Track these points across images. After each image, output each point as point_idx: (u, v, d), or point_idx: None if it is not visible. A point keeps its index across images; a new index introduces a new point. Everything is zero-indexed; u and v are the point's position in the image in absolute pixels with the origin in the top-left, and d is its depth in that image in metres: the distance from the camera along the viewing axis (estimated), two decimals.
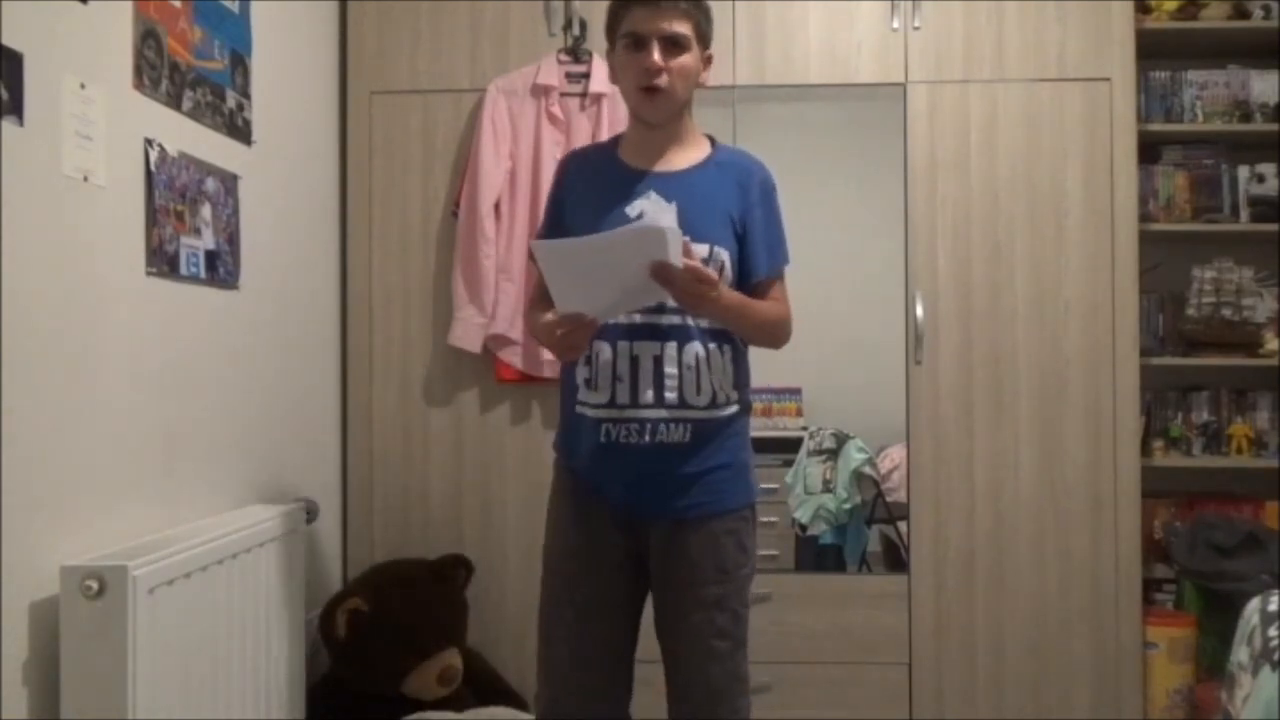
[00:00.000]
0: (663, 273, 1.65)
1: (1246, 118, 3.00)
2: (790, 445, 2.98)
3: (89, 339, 1.77)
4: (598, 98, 2.82)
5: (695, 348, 1.83)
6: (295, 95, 2.65)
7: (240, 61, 2.31)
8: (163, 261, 1.98)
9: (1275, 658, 1.72)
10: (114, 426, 1.84)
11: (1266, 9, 2.96)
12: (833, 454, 2.96)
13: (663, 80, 1.81)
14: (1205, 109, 3.02)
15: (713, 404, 1.84)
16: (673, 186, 1.86)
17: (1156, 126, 3.00)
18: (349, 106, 2.91)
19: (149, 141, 1.93)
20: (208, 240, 2.16)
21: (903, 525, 2.86)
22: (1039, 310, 2.83)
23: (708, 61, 1.92)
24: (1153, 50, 2.96)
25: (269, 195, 2.46)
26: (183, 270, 2.06)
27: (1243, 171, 3.01)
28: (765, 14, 2.87)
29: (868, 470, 2.93)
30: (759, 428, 2.95)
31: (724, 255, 1.84)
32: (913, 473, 2.84)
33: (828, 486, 2.94)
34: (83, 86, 1.73)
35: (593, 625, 1.85)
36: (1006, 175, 2.84)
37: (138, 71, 1.90)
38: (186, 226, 2.07)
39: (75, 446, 1.73)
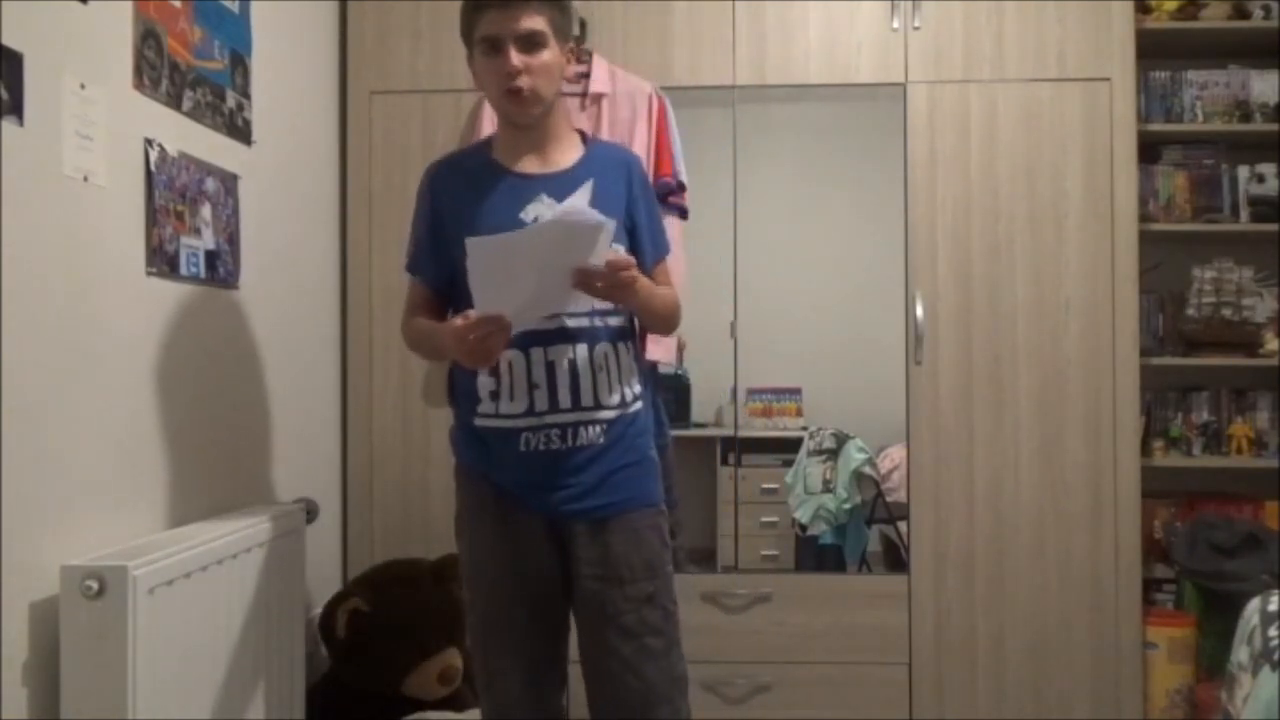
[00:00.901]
0: (584, 276, 1.65)
1: (1246, 118, 3.00)
2: (790, 445, 2.98)
3: (89, 339, 1.77)
4: (598, 98, 2.81)
5: (604, 348, 1.83)
6: (295, 95, 2.65)
7: (240, 61, 2.31)
8: (163, 261, 1.98)
9: (1275, 658, 1.72)
10: (114, 426, 1.84)
11: (1266, 9, 2.96)
12: (833, 454, 2.96)
13: (524, 81, 1.79)
14: (1205, 109, 3.02)
15: (622, 402, 1.85)
16: (562, 187, 1.81)
17: (1156, 126, 3.00)
18: (349, 106, 2.91)
19: (149, 141, 1.93)
20: (208, 240, 2.16)
21: (903, 525, 2.86)
22: (1039, 310, 2.83)
23: (570, 54, 1.89)
24: (1153, 50, 2.96)
25: (269, 195, 2.46)
26: (183, 270, 2.06)
27: (1243, 171, 3.01)
28: (765, 14, 2.87)
29: (868, 470, 2.93)
30: (759, 428, 2.97)
31: (621, 251, 1.81)
32: (913, 473, 2.84)
33: (828, 486, 2.94)
34: (83, 86, 1.73)
35: (534, 639, 1.85)
36: (1006, 175, 2.84)
37: (138, 71, 1.90)
38: (186, 226, 2.07)
39: (75, 446, 1.73)
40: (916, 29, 2.85)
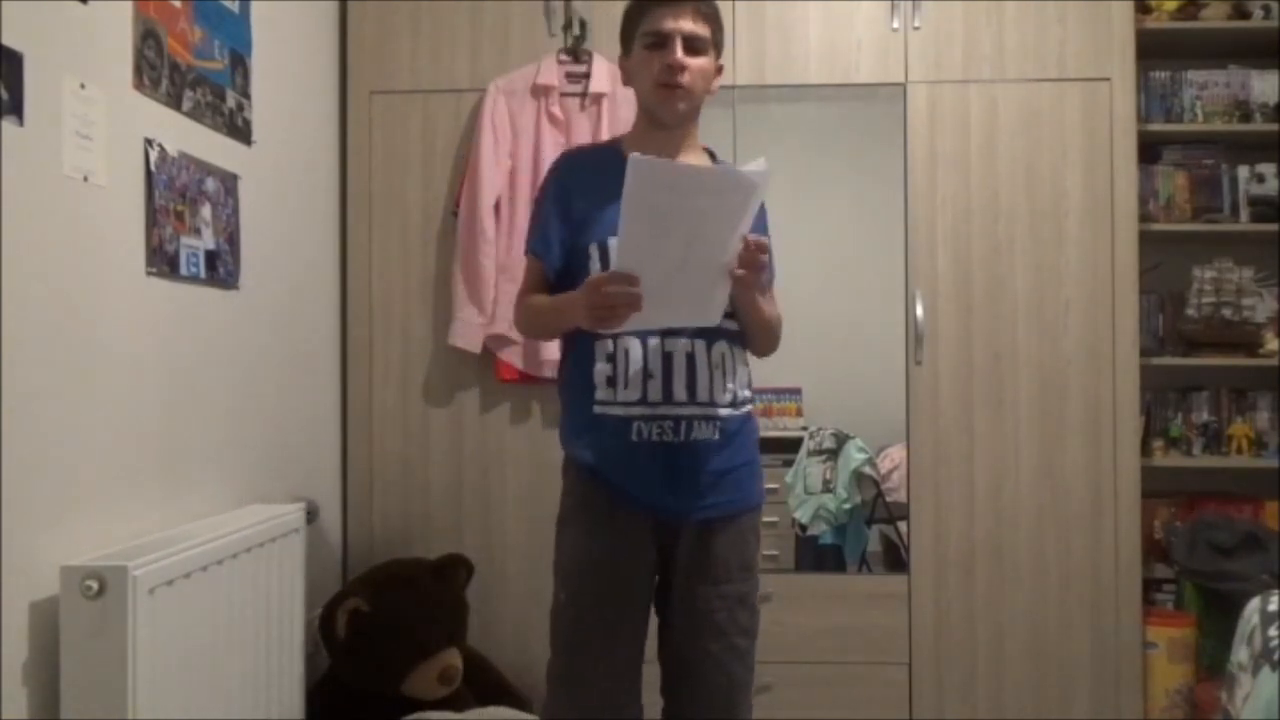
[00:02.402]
0: (740, 259, 1.66)
1: (1246, 118, 3.00)
2: (790, 445, 2.98)
3: (89, 339, 1.77)
4: (598, 98, 2.82)
5: (721, 346, 1.85)
6: (295, 95, 2.65)
7: (240, 61, 2.31)
8: (163, 261, 1.98)
9: (1275, 658, 1.72)
10: (114, 426, 1.84)
11: (1266, 9, 2.96)
12: (833, 454, 2.96)
13: (684, 78, 1.82)
14: (1205, 109, 3.02)
15: (734, 402, 1.87)
16: None
17: (1156, 126, 3.00)
18: (349, 106, 2.91)
19: (149, 141, 1.93)
20: (208, 240, 2.16)
21: (903, 525, 2.86)
22: (1039, 310, 2.83)
23: (719, 71, 1.92)
24: (1153, 50, 2.96)
25: (269, 195, 2.46)
26: (183, 270, 2.06)
27: (1243, 171, 3.01)
28: (765, 14, 2.87)
29: (868, 470, 2.93)
30: (759, 429, 2.97)
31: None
32: (913, 473, 2.84)
33: (828, 486, 2.94)
34: (83, 86, 1.73)
35: (622, 642, 1.84)
36: (1006, 175, 2.84)
37: (138, 71, 1.90)
38: (186, 226, 2.07)
39: (75, 446, 1.73)
40: (916, 29, 2.85)
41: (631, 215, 1.58)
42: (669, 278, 1.63)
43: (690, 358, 1.81)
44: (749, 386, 1.93)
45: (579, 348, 1.86)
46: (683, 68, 1.81)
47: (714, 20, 1.87)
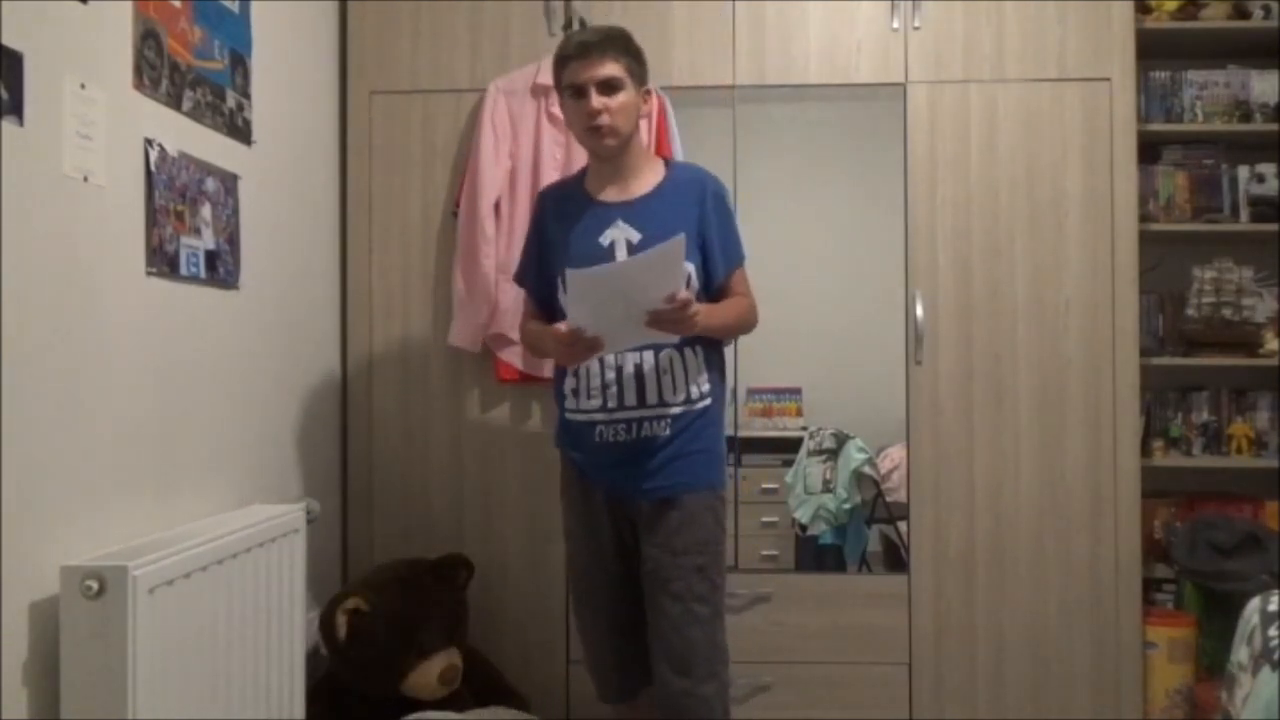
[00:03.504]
0: (654, 318, 1.93)
1: (1246, 118, 3.01)
2: (790, 445, 2.98)
3: (89, 339, 1.77)
4: None
5: (669, 353, 2.11)
6: (295, 95, 2.65)
7: (240, 61, 2.31)
8: (163, 261, 1.98)
9: (1275, 658, 1.72)
10: (114, 426, 1.84)
11: (1266, 9, 2.96)
12: (833, 454, 2.96)
13: (604, 119, 2.08)
14: (1205, 109, 3.02)
15: (688, 400, 2.13)
16: (636, 213, 2.13)
17: (1156, 126, 3.00)
18: (349, 106, 2.91)
19: (149, 141, 1.93)
20: (208, 240, 2.16)
21: (903, 525, 2.86)
22: (1039, 310, 2.83)
23: (646, 96, 2.18)
24: (1153, 50, 2.97)
25: (269, 195, 2.46)
26: (183, 270, 2.06)
27: (1243, 171, 3.01)
28: (765, 14, 2.87)
29: (868, 470, 2.93)
30: (759, 428, 2.97)
31: (690, 268, 2.08)
32: (913, 473, 2.84)
33: (828, 486, 2.94)
34: (83, 86, 1.73)
35: (613, 598, 2.19)
36: (1006, 175, 2.84)
37: (138, 71, 1.90)
38: (186, 226, 2.07)
39: (75, 446, 1.73)
40: (916, 29, 2.85)
41: (576, 305, 1.95)
42: (617, 327, 1.97)
43: (638, 368, 2.10)
44: (710, 380, 2.17)
45: (556, 365, 2.24)
46: (600, 111, 2.07)
47: (628, 56, 2.12)
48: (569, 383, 2.17)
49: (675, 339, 2.07)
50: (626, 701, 2.26)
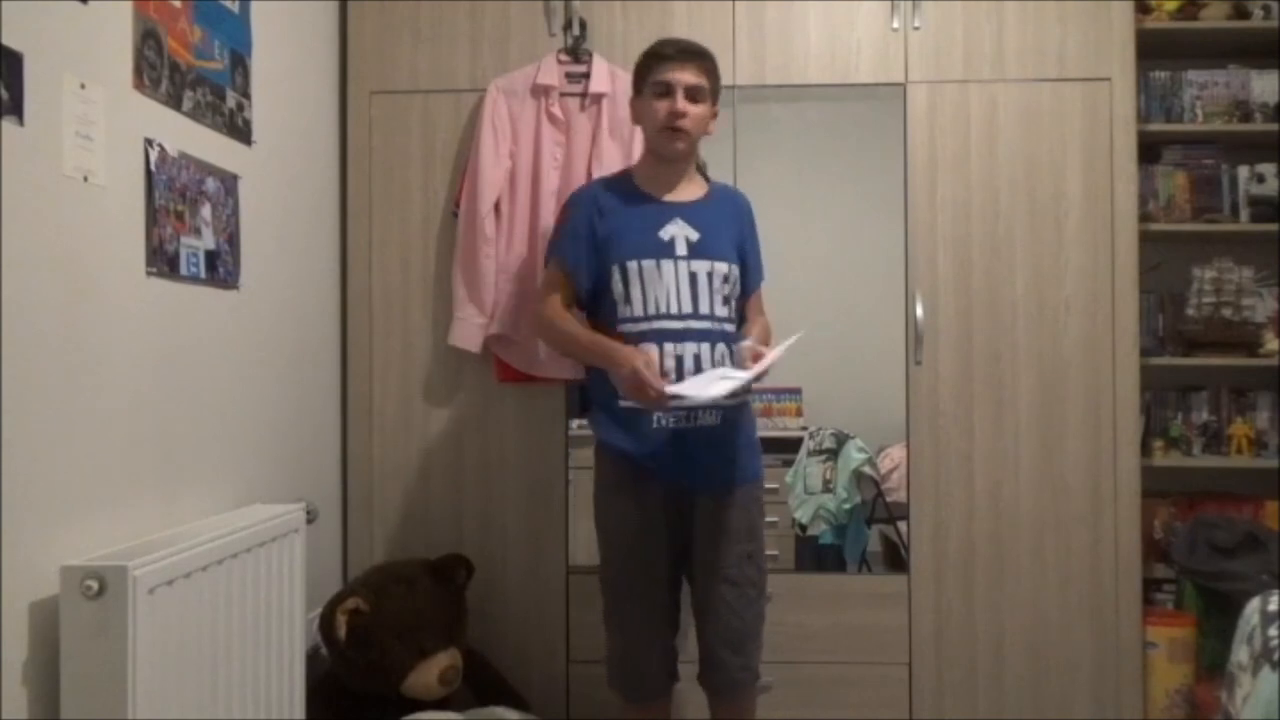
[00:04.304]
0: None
1: (1246, 118, 3.00)
2: (790, 445, 2.98)
3: (89, 339, 1.77)
4: (598, 98, 2.82)
5: (723, 348, 2.24)
6: (295, 95, 2.65)
7: (240, 61, 2.31)
8: (163, 261, 1.98)
9: (1275, 658, 1.72)
10: (114, 426, 1.84)
11: (1266, 9, 2.96)
12: (833, 454, 2.96)
13: (685, 122, 2.23)
14: (1205, 109, 3.02)
15: (733, 393, 2.17)
16: (693, 214, 2.28)
17: (1156, 126, 3.00)
18: (349, 106, 2.91)
19: (149, 141, 1.93)
20: (208, 240, 2.16)
21: (903, 525, 2.86)
22: (1039, 310, 2.83)
23: (714, 115, 2.32)
24: (1153, 50, 2.96)
25: (269, 195, 2.46)
26: (183, 270, 2.06)
27: (1243, 171, 3.01)
28: (765, 14, 2.87)
29: (868, 470, 2.93)
30: (759, 428, 2.96)
31: (735, 272, 2.30)
32: (913, 473, 2.84)
33: (828, 486, 2.94)
34: (83, 86, 1.73)
35: (656, 587, 2.24)
36: (1006, 175, 2.84)
37: (138, 71, 1.90)
38: (186, 226, 2.07)
39: (75, 446, 1.73)
40: (916, 29, 2.85)
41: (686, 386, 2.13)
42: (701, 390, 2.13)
43: (696, 358, 2.20)
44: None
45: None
46: (684, 114, 2.21)
47: (713, 74, 2.28)
48: None
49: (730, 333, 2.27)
50: (657, 700, 2.30)
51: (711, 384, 2.10)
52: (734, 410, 2.24)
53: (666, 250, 2.24)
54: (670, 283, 2.23)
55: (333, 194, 2.90)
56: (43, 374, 1.65)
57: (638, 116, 2.33)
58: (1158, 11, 2.97)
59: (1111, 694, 2.79)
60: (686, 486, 2.23)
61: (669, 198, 2.30)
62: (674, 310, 2.22)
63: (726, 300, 2.27)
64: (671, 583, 2.28)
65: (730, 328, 2.28)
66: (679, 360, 2.20)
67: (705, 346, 2.22)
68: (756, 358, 2.14)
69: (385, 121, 2.91)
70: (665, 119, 2.22)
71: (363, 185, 2.92)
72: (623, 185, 2.34)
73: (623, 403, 2.20)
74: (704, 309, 2.23)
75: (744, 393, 2.22)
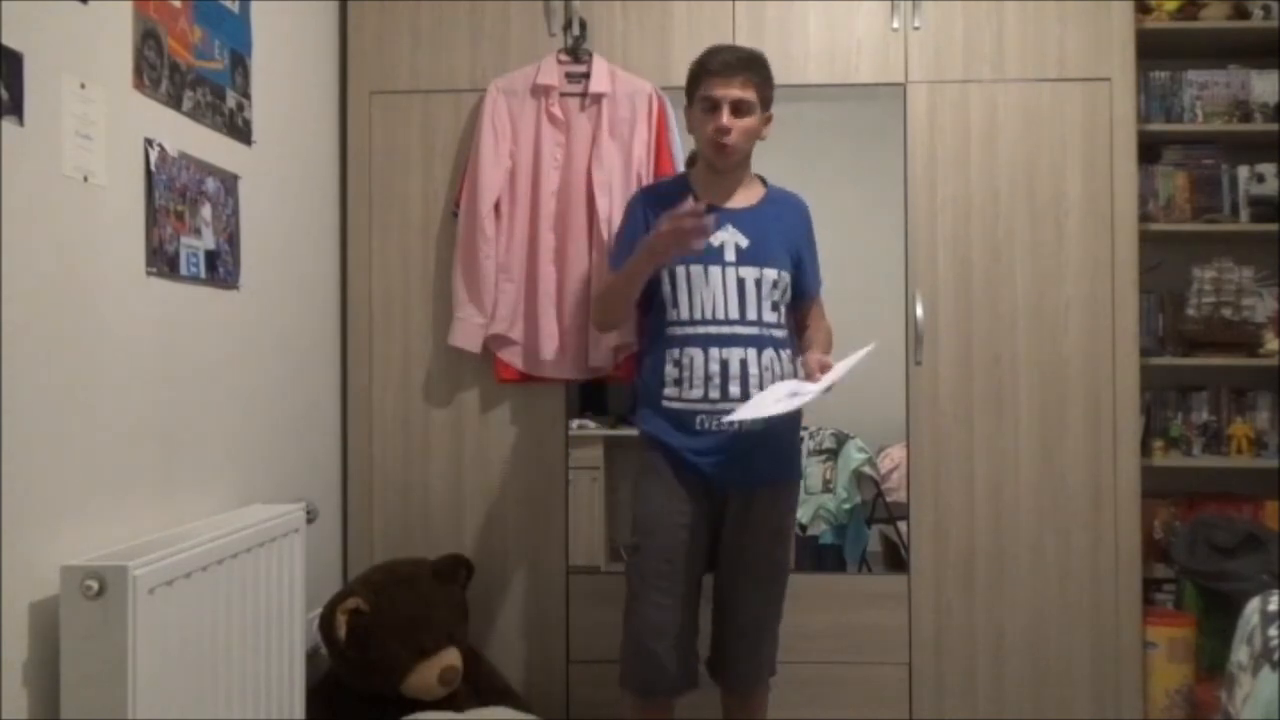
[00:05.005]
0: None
1: (1246, 118, 3.00)
2: None
3: (89, 339, 1.77)
4: (598, 98, 2.82)
5: (770, 353, 2.28)
6: (295, 95, 2.65)
7: (240, 61, 2.31)
8: (163, 261, 1.98)
9: (1275, 658, 1.72)
10: (114, 426, 1.84)
11: (1266, 9, 2.96)
12: (833, 454, 2.96)
13: (730, 138, 2.25)
14: (1205, 109, 3.02)
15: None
16: (745, 221, 2.32)
17: (1156, 126, 3.00)
18: (349, 106, 2.91)
19: (149, 141, 1.93)
20: (208, 240, 2.16)
21: (903, 525, 2.86)
22: (1039, 310, 2.83)
23: (767, 120, 2.35)
24: (1153, 50, 2.96)
25: (269, 195, 2.46)
26: (183, 270, 2.06)
27: (1243, 171, 3.01)
28: (765, 14, 2.87)
29: (868, 470, 2.93)
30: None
31: (786, 278, 2.33)
32: (913, 473, 2.84)
33: (828, 486, 2.94)
34: (83, 86, 1.73)
35: (684, 577, 2.26)
36: (1006, 175, 2.84)
37: (138, 71, 1.90)
38: (186, 226, 2.07)
39: (75, 446, 1.73)
40: (916, 29, 2.85)
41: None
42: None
43: (744, 364, 2.25)
44: (795, 379, 2.29)
45: (653, 354, 2.33)
46: (729, 130, 2.24)
47: (762, 83, 2.28)
48: (670, 372, 2.28)
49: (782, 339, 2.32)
50: (678, 695, 2.30)
51: (779, 400, 2.13)
52: (781, 418, 2.21)
53: (715, 256, 2.28)
54: (718, 288, 2.27)
55: (333, 194, 2.90)
56: (43, 374, 1.65)
57: (690, 126, 2.38)
58: (1158, 11, 2.97)
59: (1111, 694, 2.79)
60: (728, 482, 2.27)
61: (722, 203, 2.33)
62: (720, 315, 2.27)
63: (775, 306, 2.31)
64: (698, 581, 2.32)
65: (780, 333, 2.32)
66: (724, 364, 2.24)
67: (752, 351, 2.26)
68: (824, 368, 2.17)
69: (385, 121, 2.91)
70: (713, 134, 2.26)
71: (363, 185, 2.92)
72: (677, 190, 2.35)
73: (666, 403, 2.27)
74: (751, 314, 2.27)
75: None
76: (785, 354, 2.32)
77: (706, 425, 2.24)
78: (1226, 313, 2.98)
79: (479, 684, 2.63)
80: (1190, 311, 3.01)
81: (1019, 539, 2.82)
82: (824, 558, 2.96)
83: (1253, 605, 1.90)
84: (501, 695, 2.65)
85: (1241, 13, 2.98)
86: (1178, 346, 3.03)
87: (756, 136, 2.33)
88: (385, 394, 2.91)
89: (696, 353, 2.26)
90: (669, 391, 2.29)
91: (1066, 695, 2.79)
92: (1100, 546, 2.80)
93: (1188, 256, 3.05)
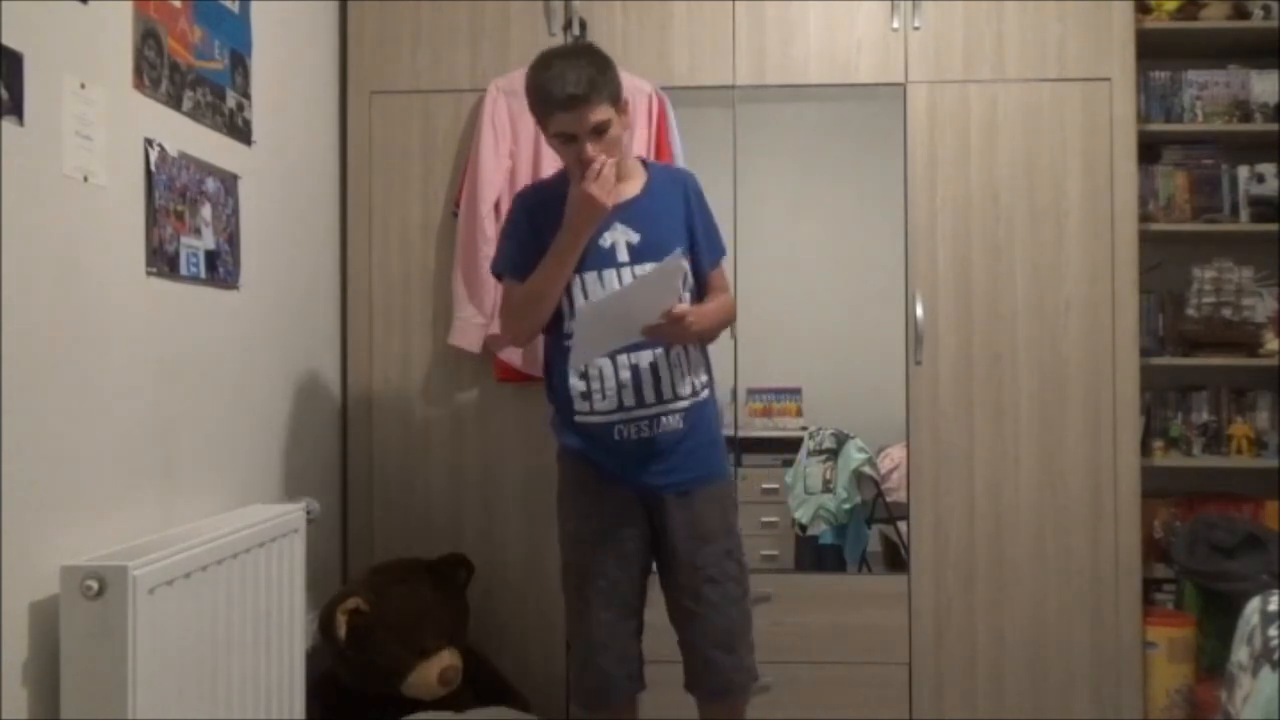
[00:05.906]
0: (652, 331, 2.05)
1: (1246, 118, 3.00)
2: (790, 445, 2.98)
3: (89, 339, 1.77)
4: None
5: (677, 349, 2.16)
6: (295, 95, 2.65)
7: (240, 61, 2.31)
8: (163, 261, 1.98)
9: (1275, 658, 1.72)
10: (114, 426, 1.84)
11: (1266, 9, 2.96)
12: (833, 454, 2.96)
13: (599, 159, 2.06)
14: (1205, 109, 3.02)
15: (694, 391, 2.19)
16: (631, 215, 2.16)
17: (1156, 126, 3.00)
18: (349, 106, 2.91)
19: (149, 141, 1.93)
20: (208, 240, 2.16)
21: (903, 525, 2.86)
22: (1039, 310, 2.83)
23: (625, 108, 2.14)
24: (1153, 50, 2.96)
25: (269, 195, 2.46)
26: (183, 270, 2.06)
27: (1243, 171, 3.01)
28: (765, 14, 2.87)
29: (868, 470, 2.93)
30: (759, 428, 2.97)
31: (685, 265, 2.15)
32: (913, 473, 2.84)
33: (828, 486, 2.94)
34: (83, 86, 1.73)
35: (620, 589, 2.17)
36: (1006, 175, 2.84)
37: (138, 71, 1.90)
38: (186, 226, 2.07)
39: (75, 446, 1.73)
40: (916, 29, 2.85)
41: (582, 333, 2.04)
42: (617, 340, 2.09)
43: (654, 366, 2.14)
44: (705, 371, 2.25)
45: (558, 369, 2.18)
46: (594, 158, 2.05)
47: (609, 88, 2.06)
48: (577, 385, 2.14)
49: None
50: (624, 700, 2.23)
51: (605, 329, 2.04)
52: (696, 411, 2.18)
53: (608, 258, 2.13)
54: None
55: (333, 194, 2.90)
56: (43, 374, 1.65)
57: (558, 153, 2.17)
58: (1158, 11, 2.97)
59: (1111, 694, 2.79)
60: (654, 488, 2.16)
61: None
62: None
63: (679, 297, 2.14)
64: (639, 588, 2.21)
65: None
66: (634, 369, 2.12)
67: (659, 353, 2.13)
68: (678, 318, 2.05)
69: (385, 121, 2.91)
70: (579, 167, 2.06)
71: (363, 185, 2.92)
72: (557, 191, 2.17)
73: (580, 418, 2.15)
74: None
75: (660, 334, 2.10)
76: (692, 345, 2.20)
77: (625, 434, 2.13)
78: (1226, 313, 2.98)
79: (479, 684, 2.63)
80: (1190, 311, 3.01)
81: (1019, 539, 2.82)
82: (824, 558, 2.96)
83: (1253, 605, 1.90)
84: (501, 695, 2.65)
85: (1241, 13, 2.98)
86: (1178, 346, 3.03)
87: (623, 137, 2.15)
88: (385, 394, 2.91)
89: (604, 363, 2.12)
90: (580, 407, 2.15)
91: (1066, 695, 2.79)
92: (1100, 546, 2.80)
93: (1188, 256, 3.05)
